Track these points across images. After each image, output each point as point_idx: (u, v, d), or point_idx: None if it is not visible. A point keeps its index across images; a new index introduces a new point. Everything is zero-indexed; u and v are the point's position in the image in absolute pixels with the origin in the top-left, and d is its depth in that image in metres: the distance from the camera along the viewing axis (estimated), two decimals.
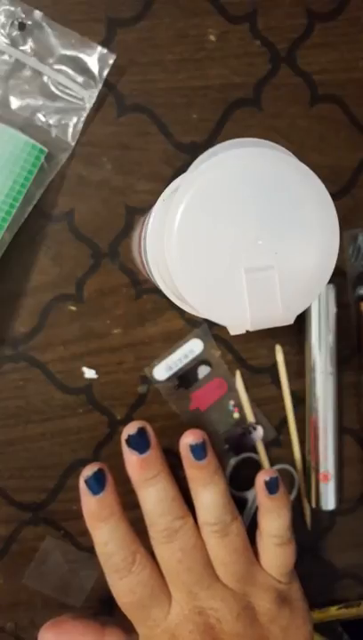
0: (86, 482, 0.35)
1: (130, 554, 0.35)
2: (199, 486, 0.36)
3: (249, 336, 0.41)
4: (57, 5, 0.37)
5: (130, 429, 0.36)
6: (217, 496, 0.36)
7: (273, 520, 0.37)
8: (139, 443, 0.36)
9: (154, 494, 0.36)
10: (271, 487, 0.37)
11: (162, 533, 0.36)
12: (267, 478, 0.37)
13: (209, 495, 0.36)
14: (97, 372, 0.40)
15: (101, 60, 0.37)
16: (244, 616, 0.35)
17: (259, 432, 0.41)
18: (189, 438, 0.36)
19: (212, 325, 0.41)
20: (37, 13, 0.36)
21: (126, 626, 0.36)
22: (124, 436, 0.36)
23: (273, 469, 0.38)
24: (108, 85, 0.38)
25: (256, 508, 0.41)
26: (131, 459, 0.36)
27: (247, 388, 0.41)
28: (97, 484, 0.35)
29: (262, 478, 0.37)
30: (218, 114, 0.40)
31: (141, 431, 0.36)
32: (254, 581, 0.37)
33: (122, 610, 0.36)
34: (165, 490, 0.36)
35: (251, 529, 0.38)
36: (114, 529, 0.35)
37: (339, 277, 0.42)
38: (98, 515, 0.35)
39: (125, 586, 0.35)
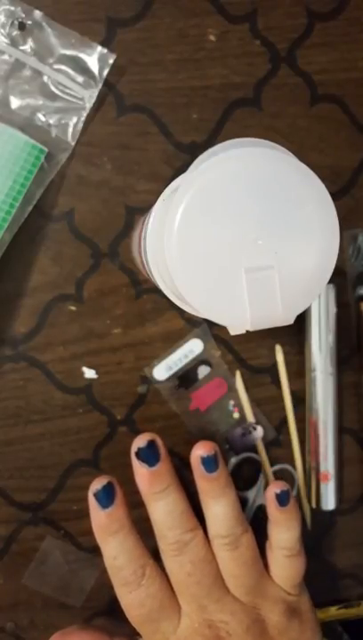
0: (95, 495, 0.35)
1: (139, 567, 0.35)
2: (210, 499, 0.36)
3: (249, 336, 0.41)
4: (57, 5, 0.37)
5: (140, 442, 0.36)
6: (228, 509, 0.36)
7: (283, 532, 0.37)
8: (149, 455, 0.35)
9: (163, 507, 0.35)
10: (282, 499, 0.37)
11: (172, 546, 0.35)
12: (278, 491, 0.37)
13: (220, 508, 0.36)
14: (97, 372, 0.40)
15: (101, 59, 0.37)
16: (254, 629, 0.35)
17: (259, 432, 0.41)
18: (200, 450, 0.36)
19: (212, 325, 0.41)
20: (37, 13, 0.36)
21: (132, 632, 0.36)
22: (133, 448, 0.36)
23: (283, 482, 0.38)
24: (108, 85, 0.38)
25: (257, 508, 0.41)
26: (140, 471, 0.36)
27: (247, 388, 0.41)
28: (106, 497, 0.35)
29: (272, 490, 0.37)
30: (218, 114, 0.40)
31: (151, 444, 0.36)
32: (264, 594, 0.36)
33: (131, 623, 0.36)
34: (175, 503, 0.36)
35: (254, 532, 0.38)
36: (123, 542, 0.35)
37: (339, 277, 0.42)
38: (107, 528, 0.35)
39: (134, 599, 0.35)
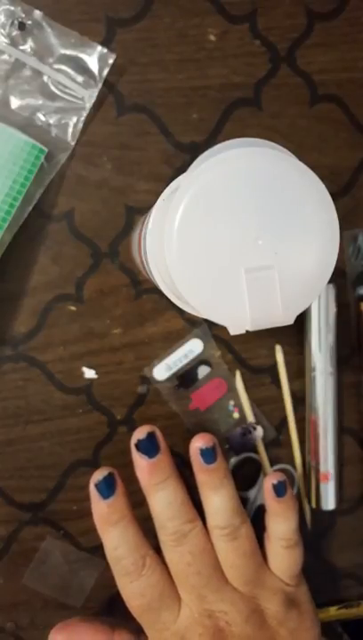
0: (97, 486, 0.36)
1: (140, 557, 0.35)
2: (209, 490, 0.36)
3: (249, 336, 0.41)
4: (57, 5, 0.37)
5: (139, 434, 0.36)
6: (227, 499, 0.36)
7: (281, 523, 0.37)
8: (148, 447, 0.36)
9: (163, 498, 0.36)
10: (279, 490, 0.37)
11: (171, 537, 0.36)
12: (275, 482, 0.37)
13: (219, 499, 0.36)
14: (97, 372, 0.40)
15: (101, 59, 0.37)
16: (253, 619, 0.36)
17: (259, 432, 0.41)
18: (199, 442, 0.37)
19: (212, 325, 0.41)
20: (37, 13, 0.36)
21: (134, 627, 0.37)
22: (133, 440, 0.36)
23: (281, 473, 0.38)
24: (108, 85, 0.38)
25: (257, 508, 0.41)
26: (140, 463, 0.36)
27: (247, 388, 0.41)
28: (107, 488, 0.35)
29: (269, 482, 0.38)
30: (218, 114, 0.40)
31: (151, 436, 0.36)
32: (263, 584, 0.37)
33: (132, 613, 0.36)
34: (175, 494, 0.36)
35: (253, 530, 0.38)
36: (124, 533, 0.35)
37: (339, 277, 0.42)
38: (108, 519, 0.35)
39: (135, 589, 0.35)
